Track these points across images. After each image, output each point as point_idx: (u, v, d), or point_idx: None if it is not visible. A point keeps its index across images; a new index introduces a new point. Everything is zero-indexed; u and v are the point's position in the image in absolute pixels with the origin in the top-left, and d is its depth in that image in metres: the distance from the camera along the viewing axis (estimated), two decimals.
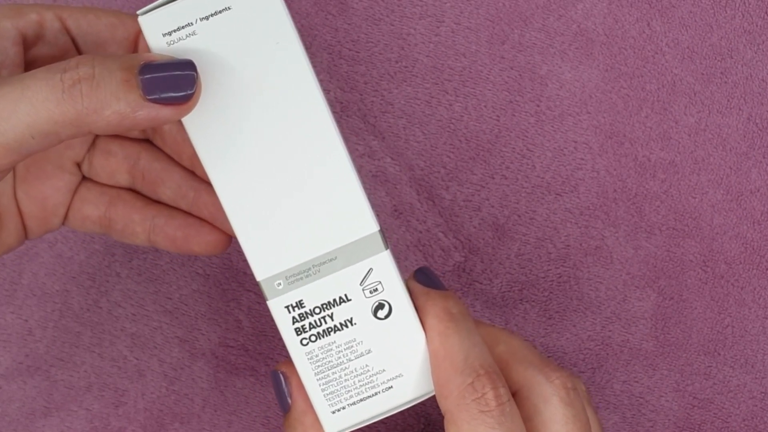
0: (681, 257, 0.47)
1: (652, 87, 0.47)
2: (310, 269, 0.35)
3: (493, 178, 0.47)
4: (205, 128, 0.34)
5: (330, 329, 0.36)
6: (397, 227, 0.47)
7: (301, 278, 0.35)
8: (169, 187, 0.39)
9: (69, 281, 0.47)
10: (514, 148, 0.47)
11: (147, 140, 0.40)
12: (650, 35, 0.47)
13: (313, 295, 0.36)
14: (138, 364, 0.47)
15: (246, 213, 0.35)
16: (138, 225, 0.39)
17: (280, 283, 0.35)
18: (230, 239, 0.39)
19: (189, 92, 0.32)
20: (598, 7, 0.47)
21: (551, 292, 0.47)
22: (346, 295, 0.36)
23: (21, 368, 0.47)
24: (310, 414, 0.36)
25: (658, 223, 0.47)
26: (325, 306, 0.36)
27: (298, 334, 0.36)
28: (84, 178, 0.40)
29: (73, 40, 0.37)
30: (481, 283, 0.47)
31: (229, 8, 0.34)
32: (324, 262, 0.35)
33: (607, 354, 0.47)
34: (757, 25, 0.47)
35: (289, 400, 0.36)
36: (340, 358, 0.36)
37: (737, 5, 0.47)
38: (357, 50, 0.47)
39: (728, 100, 0.47)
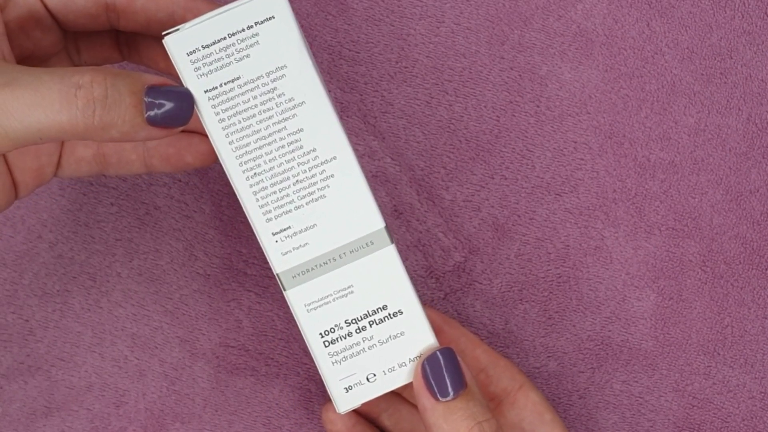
0: (681, 257, 0.47)
1: (651, 87, 0.47)
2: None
3: (493, 178, 0.47)
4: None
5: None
6: (397, 227, 0.47)
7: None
8: None
9: (70, 281, 0.47)
10: (513, 148, 0.47)
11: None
12: (650, 35, 0.47)
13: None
14: (139, 364, 0.47)
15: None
16: (131, 152, 0.41)
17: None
18: None
19: (184, 123, 0.35)
20: (598, 7, 0.47)
21: (551, 292, 0.47)
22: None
23: (22, 368, 0.47)
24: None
25: (657, 223, 0.47)
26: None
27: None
28: None
29: (43, 2, 0.38)
30: (481, 283, 0.47)
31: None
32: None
33: (607, 354, 0.47)
34: (756, 26, 0.47)
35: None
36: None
37: (737, 5, 0.47)
38: (357, 51, 0.47)
39: (728, 101, 0.47)
